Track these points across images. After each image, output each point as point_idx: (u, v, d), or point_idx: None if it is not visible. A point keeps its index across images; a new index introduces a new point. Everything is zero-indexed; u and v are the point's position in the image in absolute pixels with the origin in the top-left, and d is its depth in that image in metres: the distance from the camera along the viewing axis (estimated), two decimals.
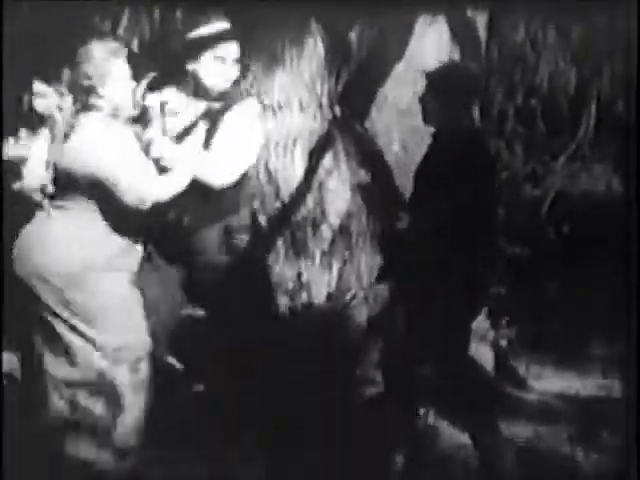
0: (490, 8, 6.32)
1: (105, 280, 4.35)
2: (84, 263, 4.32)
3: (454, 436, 5.41)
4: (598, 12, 7.83)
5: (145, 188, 4.32)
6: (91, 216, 4.37)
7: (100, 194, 4.31)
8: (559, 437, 5.57)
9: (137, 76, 4.59)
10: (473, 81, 4.95)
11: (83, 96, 4.40)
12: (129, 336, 4.38)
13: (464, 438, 5.12)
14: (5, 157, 4.41)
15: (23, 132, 4.45)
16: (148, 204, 4.34)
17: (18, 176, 4.40)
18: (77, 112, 4.39)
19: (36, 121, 4.49)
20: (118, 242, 4.41)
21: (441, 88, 4.69)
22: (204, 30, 4.71)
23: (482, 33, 6.31)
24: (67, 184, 4.35)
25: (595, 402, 6.23)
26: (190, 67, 4.72)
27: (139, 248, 4.50)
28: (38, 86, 4.51)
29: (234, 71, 4.75)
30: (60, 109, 4.41)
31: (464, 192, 4.50)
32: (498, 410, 5.03)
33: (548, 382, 6.65)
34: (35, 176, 4.38)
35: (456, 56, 5.98)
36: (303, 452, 4.81)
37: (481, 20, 6.27)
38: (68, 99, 4.41)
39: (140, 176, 4.32)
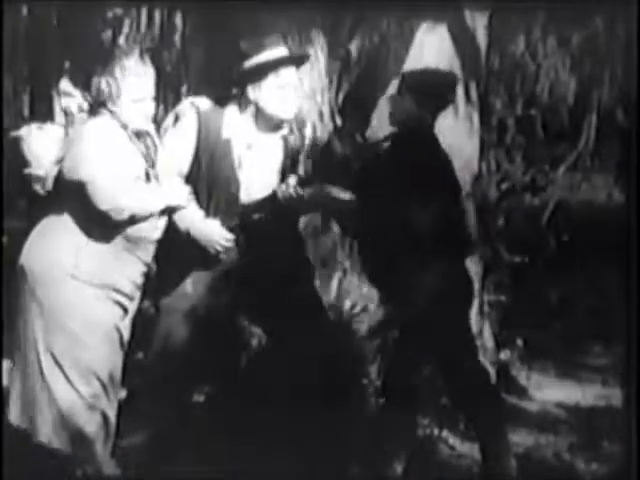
0: (489, 17, 6.33)
1: (75, 288, 4.32)
2: (61, 267, 4.31)
3: (455, 444, 5.41)
4: (598, 19, 7.85)
5: (122, 197, 4.29)
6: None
7: (80, 200, 4.31)
8: (560, 446, 5.57)
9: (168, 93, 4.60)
10: (446, 87, 4.89)
11: (98, 106, 4.42)
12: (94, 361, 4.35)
13: (466, 446, 5.13)
14: (14, 139, 4.43)
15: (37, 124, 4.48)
16: (124, 214, 4.32)
17: (25, 162, 4.41)
18: (89, 116, 4.42)
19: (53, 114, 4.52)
20: (105, 256, 4.38)
21: (412, 90, 4.70)
22: (263, 57, 4.72)
23: (482, 42, 6.32)
24: (66, 186, 4.35)
25: (595, 411, 6.23)
26: (251, 94, 4.73)
27: (136, 274, 4.48)
28: (65, 85, 4.52)
29: (295, 98, 4.76)
30: (81, 110, 4.44)
31: (423, 194, 4.53)
32: (504, 417, 5.01)
33: (549, 391, 6.65)
34: (42, 167, 4.39)
35: (456, 65, 5.99)
36: (304, 458, 4.82)
37: (480, 29, 6.28)
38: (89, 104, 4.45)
39: (119, 184, 4.29)
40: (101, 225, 4.31)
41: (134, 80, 4.40)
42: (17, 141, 4.42)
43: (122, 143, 4.38)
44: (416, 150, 4.66)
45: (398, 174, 4.63)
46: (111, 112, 4.39)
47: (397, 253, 4.62)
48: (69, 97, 4.48)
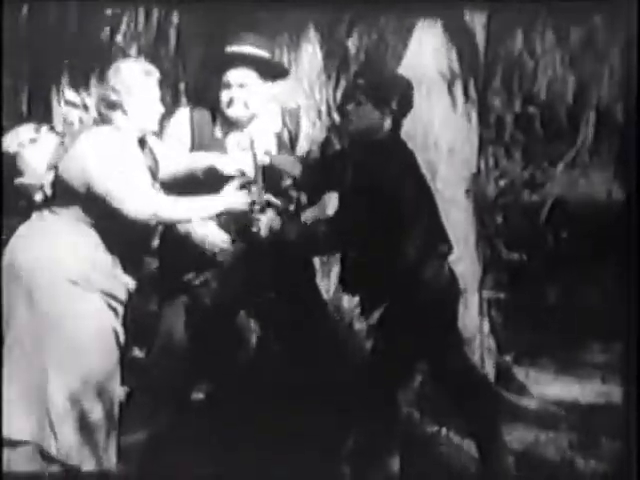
0: (488, 14, 6.33)
1: (75, 293, 4.29)
2: (62, 272, 4.28)
3: (455, 440, 5.41)
4: (596, 15, 7.84)
5: (149, 203, 4.27)
6: (81, 227, 4.34)
7: (99, 208, 4.28)
8: (559, 443, 5.57)
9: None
10: (405, 92, 4.83)
11: (107, 110, 4.39)
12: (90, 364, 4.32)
13: (465, 443, 5.13)
14: (6, 149, 4.40)
15: (31, 128, 4.44)
16: (154, 219, 4.30)
17: (19, 172, 4.38)
18: (95, 124, 4.38)
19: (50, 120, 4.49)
20: (103, 262, 4.36)
21: (370, 97, 4.66)
22: (236, 48, 4.69)
23: (480, 39, 6.31)
24: (64, 190, 4.33)
25: (595, 408, 6.23)
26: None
27: (129, 280, 4.46)
28: (69, 93, 4.50)
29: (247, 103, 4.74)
30: (81, 121, 4.41)
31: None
32: (500, 415, 5.02)
33: (548, 388, 6.65)
34: (36, 175, 4.36)
35: (454, 62, 5.99)
36: (303, 457, 4.82)
37: (479, 26, 6.28)
38: (92, 114, 4.40)
39: (142, 191, 4.27)
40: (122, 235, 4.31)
41: (140, 82, 4.39)
42: (10, 154, 4.39)
43: (135, 150, 4.36)
44: (384, 158, 4.63)
45: (368, 180, 4.61)
46: (125, 112, 4.36)
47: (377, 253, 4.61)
48: (72, 107, 4.45)
